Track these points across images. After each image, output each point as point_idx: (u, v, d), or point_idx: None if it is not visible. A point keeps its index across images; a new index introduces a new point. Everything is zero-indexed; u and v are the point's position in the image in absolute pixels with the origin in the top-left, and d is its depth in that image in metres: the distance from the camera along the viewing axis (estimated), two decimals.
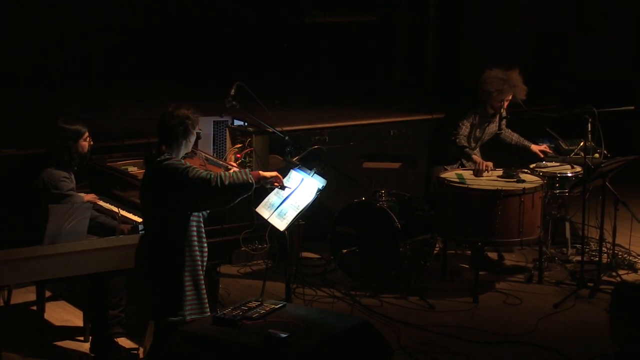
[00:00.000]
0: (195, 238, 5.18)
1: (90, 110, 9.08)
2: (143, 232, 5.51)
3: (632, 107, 7.58)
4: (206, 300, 5.26)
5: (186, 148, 5.23)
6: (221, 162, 6.35)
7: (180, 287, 5.13)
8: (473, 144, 7.65)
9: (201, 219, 5.22)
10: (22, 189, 6.49)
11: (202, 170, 5.07)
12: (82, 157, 6.25)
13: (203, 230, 5.23)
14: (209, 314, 5.25)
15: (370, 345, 4.95)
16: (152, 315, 5.37)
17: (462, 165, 7.66)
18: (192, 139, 5.25)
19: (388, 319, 6.61)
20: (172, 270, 5.14)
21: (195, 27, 12.71)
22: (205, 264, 5.28)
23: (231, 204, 5.13)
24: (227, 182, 5.00)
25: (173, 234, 5.13)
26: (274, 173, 5.34)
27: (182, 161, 5.13)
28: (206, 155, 6.34)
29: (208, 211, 5.38)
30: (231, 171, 5.16)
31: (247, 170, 5.24)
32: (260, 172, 5.30)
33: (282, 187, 5.43)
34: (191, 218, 5.14)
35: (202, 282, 5.23)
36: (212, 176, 5.01)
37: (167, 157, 5.11)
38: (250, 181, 5.08)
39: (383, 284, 7.17)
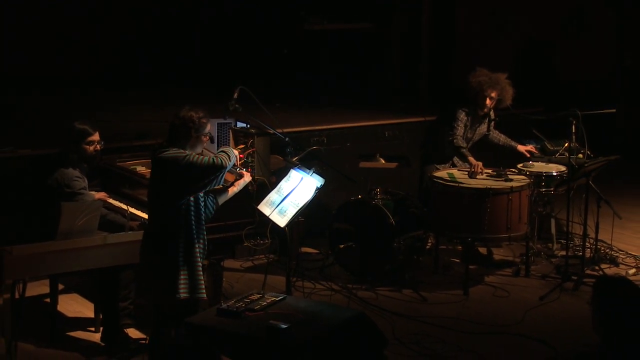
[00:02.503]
0: (193, 224, 5.22)
1: (101, 112, 9.07)
2: (147, 222, 5.55)
3: (614, 110, 7.59)
4: (201, 283, 5.29)
5: (192, 149, 5.26)
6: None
7: (174, 268, 5.19)
8: (465, 144, 7.64)
9: (201, 207, 5.26)
10: (36, 187, 6.48)
11: (200, 156, 5.24)
12: (87, 158, 6.20)
13: (203, 219, 5.28)
14: (203, 295, 5.28)
15: (366, 336, 4.95)
16: (150, 296, 5.44)
17: (454, 165, 7.66)
18: (198, 142, 5.31)
19: (383, 310, 6.61)
20: (168, 253, 5.20)
21: (201, 35, 12.71)
22: (204, 250, 5.32)
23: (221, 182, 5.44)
24: (225, 163, 5.26)
25: (172, 219, 5.20)
26: (237, 152, 5.67)
27: (181, 150, 5.19)
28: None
29: (212, 213, 5.44)
30: (219, 152, 5.39)
31: (229, 148, 5.52)
32: (232, 148, 5.64)
33: (236, 167, 5.65)
34: (190, 205, 5.20)
35: (199, 265, 5.29)
36: (215, 160, 5.22)
37: (167, 149, 5.21)
38: (234, 158, 5.45)
39: (378, 277, 7.17)
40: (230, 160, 5.30)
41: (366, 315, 5.14)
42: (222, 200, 5.53)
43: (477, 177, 7.20)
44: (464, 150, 7.43)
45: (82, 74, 11.62)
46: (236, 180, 5.65)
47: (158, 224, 5.32)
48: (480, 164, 7.30)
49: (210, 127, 5.47)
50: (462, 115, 7.54)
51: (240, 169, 5.76)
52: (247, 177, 5.71)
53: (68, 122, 6.26)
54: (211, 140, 5.51)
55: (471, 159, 7.34)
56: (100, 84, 11.47)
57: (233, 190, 5.61)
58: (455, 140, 7.44)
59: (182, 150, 5.22)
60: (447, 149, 7.60)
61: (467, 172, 7.29)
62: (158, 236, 5.29)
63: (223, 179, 5.35)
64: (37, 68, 11.31)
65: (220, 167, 5.22)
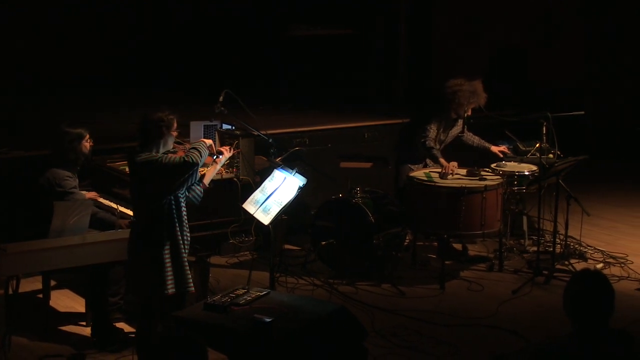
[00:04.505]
0: (176, 219, 5.23)
1: (92, 115, 9.03)
2: (134, 220, 5.54)
3: (582, 112, 7.62)
4: (189, 277, 5.30)
5: (165, 146, 5.33)
6: None
7: (160, 265, 5.19)
8: (438, 146, 7.65)
9: (181, 202, 5.27)
10: (29, 187, 6.45)
11: (172, 157, 5.23)
12: (85, 156, 6.25)
13: (184, 213, 5.28)
14: (191, 288, 5.29)
15: (346, 329, 4.95)
16: (137, 292, 5.44)
17: (426, 165, 7.66)
18: (170, 138, 5.37)
19: (363, 304, 6.61)
20: (153, 250, 5.20)
21: (190, 40, 12.69)
22: (187, 244, 5.32)
23: (198, 178, 5.38)
24: (197, 159, 5.23)
25: (155, 217, 5.21)
26: (209, 141, 5.57)
27: (154, 154, 5.23)
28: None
29: (199, 197, 5.45)
30: (190, 149, 5.36)
31: (199, 143, 5.46)
32: (203, 139, 5.59)
33: (212, 154, 5.61)
34: (170, 201, 5.20)
35: (184, 259, 5.29)
36: (185, 158, 5.21)
37: (141, 154, 5.25)
38: (206, 151, 5.40)
39: (358, 272, 7.16)
40: (201, 156, 5.30)
41: (347, 309, 5.14)
42: (208, 179, 5.59)
43: (449, 177, 7.19)
44: (435, 151, 7.42)
45: (72, 76, 11.56)
46: (217, 158, 5.66)
47: (142, 222, 5.33)
48: (450, 165, 7.29)
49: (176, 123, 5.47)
50: (437, 119, 7.54)
51: (218, 152, 5.72)
52: (226, 153, 5.74)
53: (59, 125, 6.25)
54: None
55: (442, 160, 7.34)
56: (88, 86, 11.42)
57: (215, 167, 5.67)
58: (427, 142, 7.43)
59: (154, 154, 5.24)
60: (420, 149, 7.61)
61: (438, 173, 7.29)
62: (142, 234, 5.30)
63: (198, 174, 5.34)
64: (27, 71, 11.26)
65: (192, 165, 5.21)
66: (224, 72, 11.63)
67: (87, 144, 6.23)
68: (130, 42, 12.35)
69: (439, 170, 7.33)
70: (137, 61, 12.23)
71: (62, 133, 6.19)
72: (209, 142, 5.57)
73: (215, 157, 5.66)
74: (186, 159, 5.22)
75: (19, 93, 10.79)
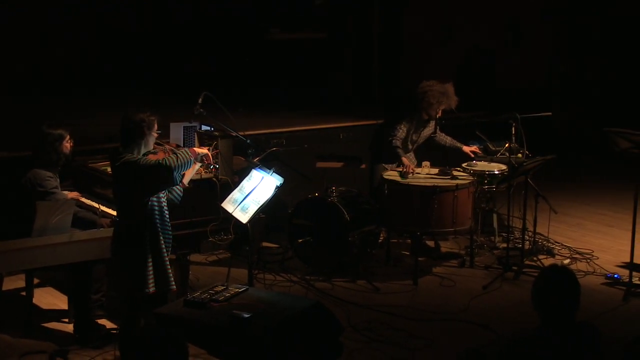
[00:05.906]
0: (158, 220, 5.22)
1: (74, 117, 8.98)
2: (116, 219, 5.53)
3: (549, 113, 7.68)
4: (170, 276, 5.29)
5: (146, 147, 5.29)
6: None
7: (142, 264, 5.18)
8: (410, 146, 7.69)
9: (163, 203, 5.26)
10: (12, 187, 6.42)
11: (151, 159, 5.19)
12: (66, 156, 6.23)
13: (166, 213, 5.28)
14: (173, 287, 5.29)
15: (323, 324, 4.97)
16: (119, 290, 5.43)
17: (400, 165, 7.69)
18: (151, 138, 5.32)
19: (339, 300, 6.63)
20: (136, 249, 5.19)
21: (170, 45, 12.66)
22: (169, 243, 5.32)
23: (179, 181, 5.27)
24: (172, 163, 5.15)
25: (137, 217, 5.21)
26: (205, 150, 5.54)
27: (135, 155, 5.21)
28: (171, 148, 6.25)
29: (180, 197, 5.44)
30: (172, 155, 5.27)
31: (186, 148, 5.43)
32: (195, 148, 5.51)
33: (209, 165, 5.59)
34: (152, 202, 5.19)
35: (165, 259, 5.28)
36: (161, 161, 5.15)
37: (122, 155, 5.21)
38: (191, 158, 5.28)
39: (334, 269, 7.19)
40: (178, 161, 5.19)
41: (323, 305, 5.15)
42: (187, 179, 5.54)
43: (409, 176, 7.21)
44: (399, 150, 7.43)
45: (51, 78, 11.49)
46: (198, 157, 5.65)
47: (124, 222, 5.32)
48: (425, 163, 7.32)
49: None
50: (408, 119, 7.56)
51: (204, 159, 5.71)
52: (203, 150, 5.66)
53: (40, 127, 6.23)
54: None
55: (404, 159, 7.35)
56: (68, 88, 11.35)
57: (194, 168, 5.59)
58: (394, 141, 7.44)
59: (134, 155, 5.21)
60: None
61: (399, 172, 7.31)
62: (125, 233, 5.29)
63: (179, 176, 5.30)
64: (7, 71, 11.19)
65: (166, 168, 5.13)
66: (203, 75, 11.62)
67: (67, 145, 6.22)
68: (130, 42, 12.29)
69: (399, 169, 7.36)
70: (111, 63, 12.17)
71: (44, 134, 6.17)
72: (202, 151, 5.54)
73: (209, 165, 5.68)
74: (161, 161, 5.17)
75: (13, 93, 10.72)
